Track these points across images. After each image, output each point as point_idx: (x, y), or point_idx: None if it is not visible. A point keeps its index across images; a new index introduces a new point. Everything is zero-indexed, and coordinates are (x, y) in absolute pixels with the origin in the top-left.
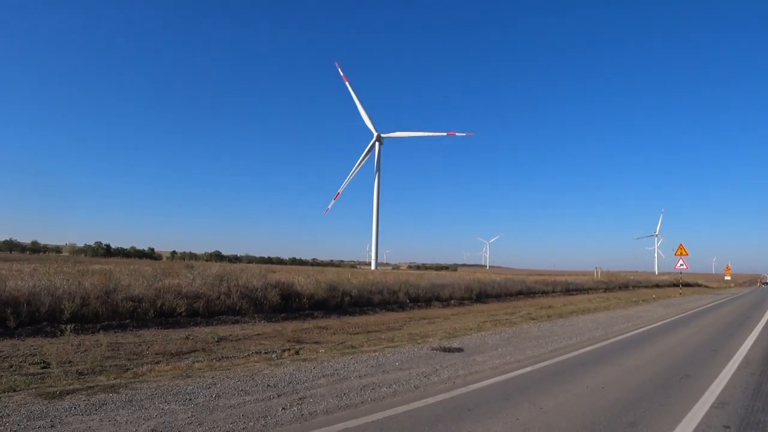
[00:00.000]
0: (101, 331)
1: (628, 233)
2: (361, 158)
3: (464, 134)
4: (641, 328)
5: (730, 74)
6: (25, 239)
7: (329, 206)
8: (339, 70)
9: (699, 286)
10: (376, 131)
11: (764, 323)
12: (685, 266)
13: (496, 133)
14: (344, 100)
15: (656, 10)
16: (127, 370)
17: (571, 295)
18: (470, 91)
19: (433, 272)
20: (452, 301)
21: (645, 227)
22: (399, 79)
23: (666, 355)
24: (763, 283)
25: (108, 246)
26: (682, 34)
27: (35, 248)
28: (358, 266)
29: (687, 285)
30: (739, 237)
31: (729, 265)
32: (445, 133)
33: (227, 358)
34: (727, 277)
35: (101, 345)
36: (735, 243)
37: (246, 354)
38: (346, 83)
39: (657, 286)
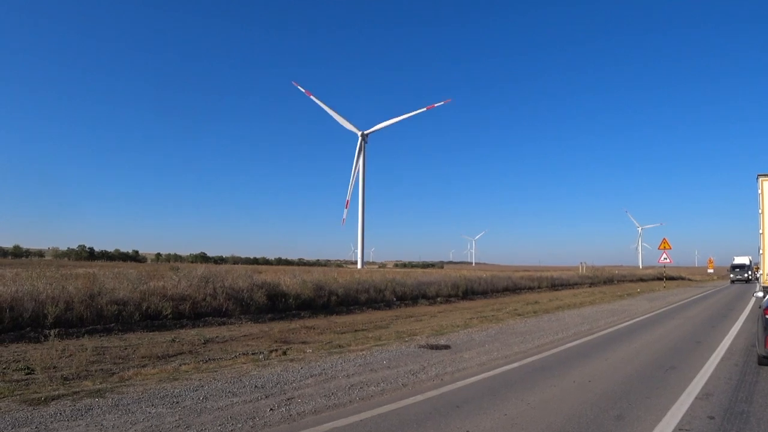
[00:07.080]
0: (86, 336)
1: (613, 228)
2: (355, 162)
3: (442, 102)
4: (626, 321)
5: (710, 68)
6: (7, 244)
7: (344, 216)
8: (299, 88)
9: (683, 279)
10: (359, 130)
11: (747, 314)
12: (668, 260)
13: (480, 128)
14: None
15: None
16: (113, 374)
17: (557, 290)
18: (454, 85)
19: (420, 270)
20: (439, 299)
21: (628, 221)
22: (383, 76)
23: (651, 348)
24: (733, 272)
25: (91, 249)
26: (663, 28)
27: (17, 253)
28: (344, 265)
29: (671, 279)
30: (721, 230)
31: (711, 258)
32: (425, 108)
33: (214, 359)
34: (710, 270)
35: (86, 349)
36: (717, 236)
37: (233, 355)
38: (311, 97)
39: (641, 280)
